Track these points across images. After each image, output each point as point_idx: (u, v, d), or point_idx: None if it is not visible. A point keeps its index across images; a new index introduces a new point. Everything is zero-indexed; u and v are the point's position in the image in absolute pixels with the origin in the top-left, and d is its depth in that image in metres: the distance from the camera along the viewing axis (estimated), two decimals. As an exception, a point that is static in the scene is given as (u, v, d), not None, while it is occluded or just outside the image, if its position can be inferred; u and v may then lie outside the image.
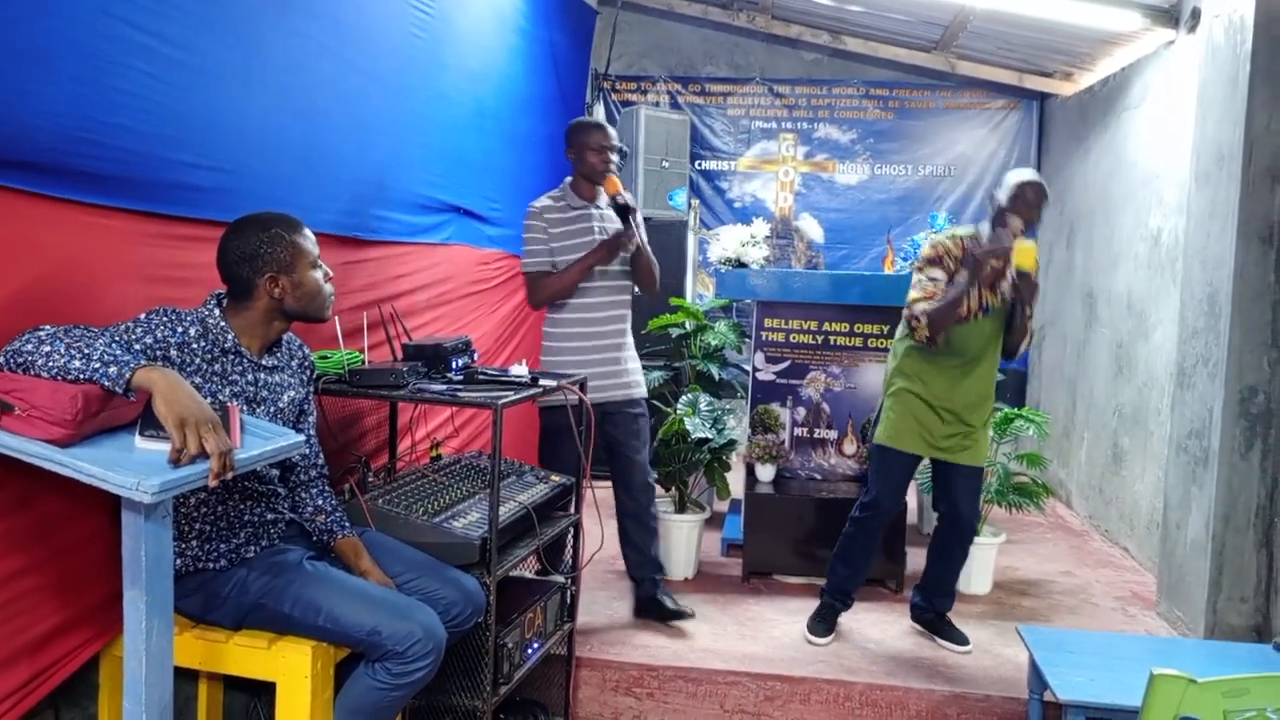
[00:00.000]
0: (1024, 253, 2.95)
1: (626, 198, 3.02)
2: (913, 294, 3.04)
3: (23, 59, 1.65)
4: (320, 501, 2.20)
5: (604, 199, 3.13)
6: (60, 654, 1.81)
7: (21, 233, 1.68)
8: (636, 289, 3.27)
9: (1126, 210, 4.59)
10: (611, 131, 3.11)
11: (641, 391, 3.28)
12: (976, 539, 3.66)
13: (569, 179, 3.19)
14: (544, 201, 3.14)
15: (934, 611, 3.24)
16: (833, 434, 4.01)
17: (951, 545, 3.20)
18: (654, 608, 3.29)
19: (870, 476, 3.22)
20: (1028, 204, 3.00)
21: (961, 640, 3.15)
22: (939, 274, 3.03)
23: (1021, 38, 4.95)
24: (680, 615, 3.26)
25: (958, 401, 3.04)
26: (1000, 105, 5.96)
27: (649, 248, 3.16)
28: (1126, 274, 4.53)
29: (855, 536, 3.18)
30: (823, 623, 3.23)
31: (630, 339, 3.29)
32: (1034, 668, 2.55)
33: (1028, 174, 3.10)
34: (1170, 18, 4.03)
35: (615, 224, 3.08)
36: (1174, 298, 3.88)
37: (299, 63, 2.47)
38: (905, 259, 4.55)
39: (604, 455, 3.30)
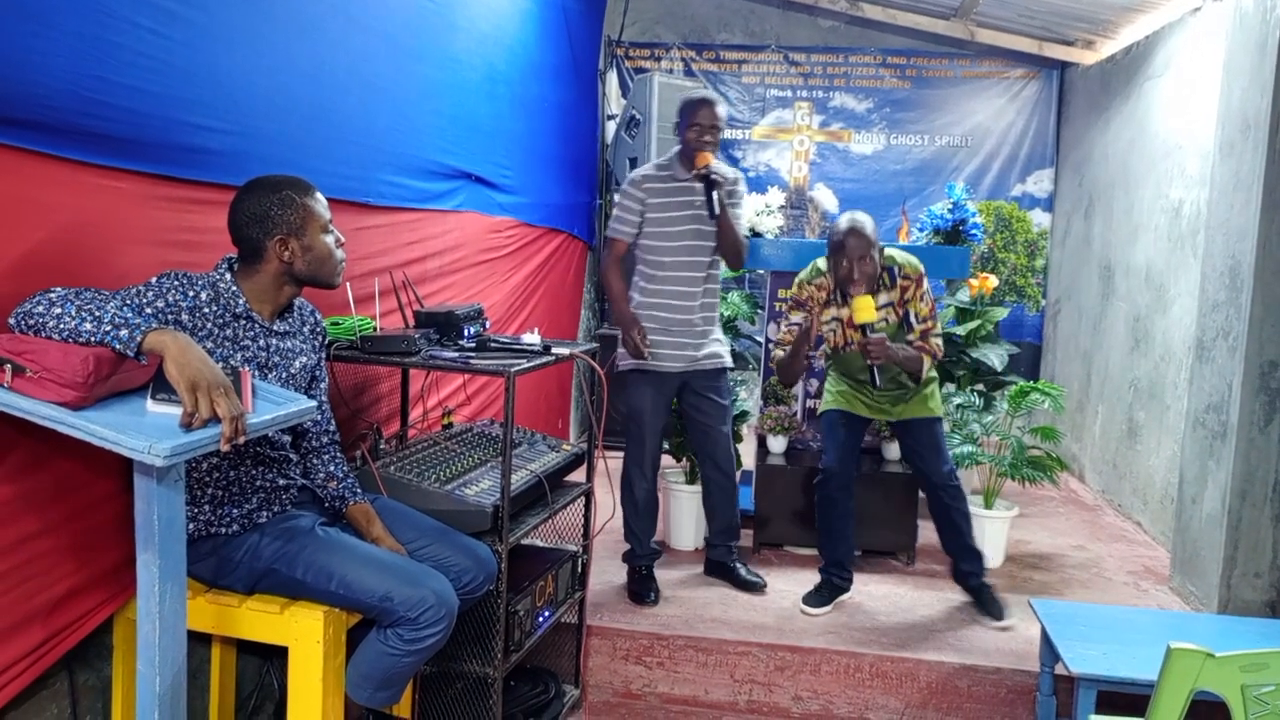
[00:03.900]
0: (860, 308, 2.90)
1: (715, 172, 3.04)
2: (777, 335, 3.20)
3: (22, 12, 1.61)
4: (332, 468, 2.19)
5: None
6: (74, 616, 1.81)
7: (30, 193, 1.66)
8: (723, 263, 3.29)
9: (1147, 182, 4.52)
10: (718, 111, 3.11)
11: (719, 363, 3.28)
12: (989, 512, 3.66)
13: (677, 149, 3.19)
14: (647, 170, 3.20)
15: (974, 575, 3.21)
16: (845, 406, 3.99)
17: (936, 505, 3.19)
18: (725, 573, 3.40)
19: (823, 444, 3.31)
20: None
21: (997, 614, 3.12)
22: (798, 318, 3.12)
23: (1043, 4, 4.86)
24: (753, 586, 3.34)
25: (882, 385, 3.04)
26: (1020, 74, 5.87)
27: (735, 222, 3.15)
28: (1146, 246, 4.47)
29: (819, 504, 3.26)
30: (816, 594, 3.26)
31: (714, 313, 3.30)
32: (1046, 641, 2.54)
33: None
34: (1197, -16, 3.95)
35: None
36: (1194, 271, 3.83)
37: (308, 22, 2.44)
38: (921, 229, 4.51)
39: (685, 428, 3.44)
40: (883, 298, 3.05)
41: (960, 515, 3.18)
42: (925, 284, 3.07)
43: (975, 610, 3.20)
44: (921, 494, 3.47)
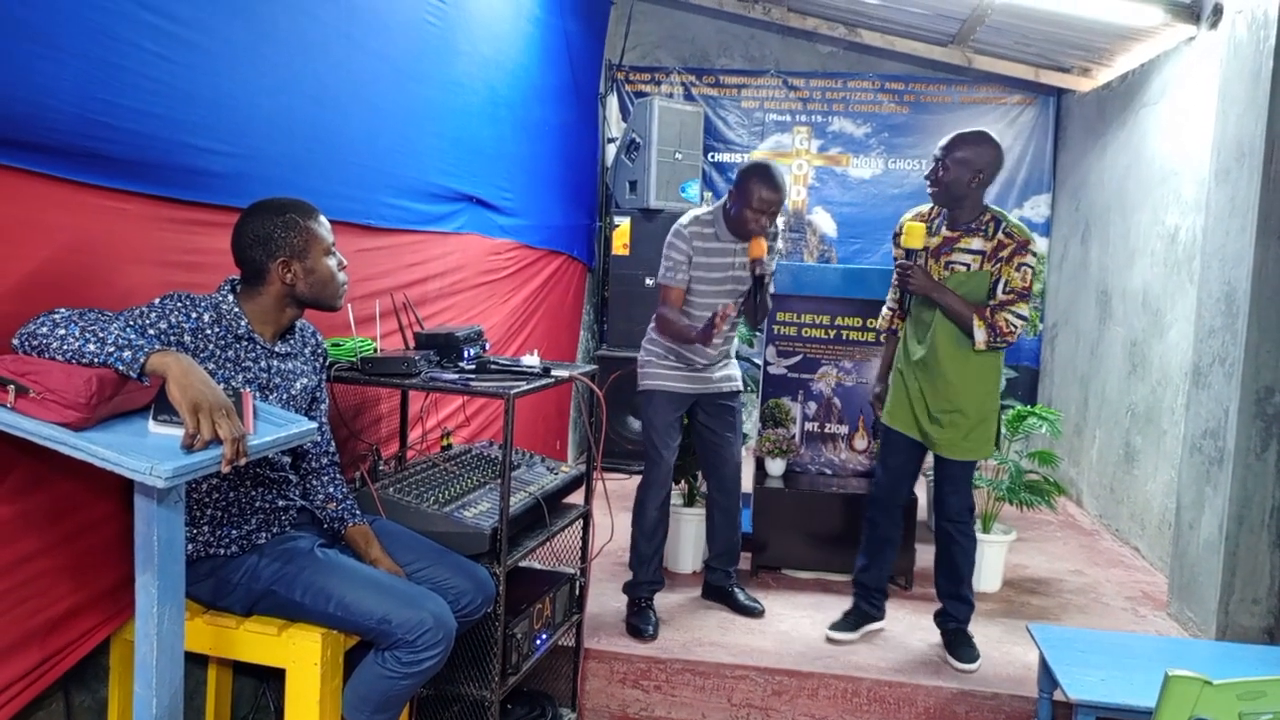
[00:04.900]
0: (910, 231, 2.92)
1: (764, 268, 3.02)
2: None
3: (26, 34, 1.62)
4: (331, 489, 2.20)
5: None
6: (72, 637, 1.81)
7: (34, 215, 1.68)
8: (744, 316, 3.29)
9: (1144, 207, 4.55)
10: (781, 194, 3.00)
11: (733, 386, 3.30)
12: (986, 536, 3.65)
13: (726, 204, 3.10)
14: (694, 226, 3.10)
15: (954, 620, 3.08)
16: (844, 429, 4.00)
17: (941, 539, 3.08)
18: (723, 597, 3.40)
19: (877, 462, 3.24)
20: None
21: (968, 659, 2.99)
22: (895, 253, 3.08)
23: (1040, 32, 4.91)
24: (751, 611, 3.33)
25: (933, 355, 2.93)
26: (1016, 101, 5.91)
27: (769, 282, 3.14)
28: (1142, 271, 4.50)
29: (865, 524, 3.20)
30: (845, 620, 3.20)
31: (731, 347, 3.34)
32: (1044, 666, 2.54)
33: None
34: (1191, 13, 3.99)
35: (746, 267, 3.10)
36: (1190, 296, 3.85)
37: (311, 45, 2.46)
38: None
39: (695, 445, 3.43)
40: (977, 243, 2.88)
41: (962, 554, 3.04)
42: (1029, 257, 2.83)
43: (943, 649, 3.07)
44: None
